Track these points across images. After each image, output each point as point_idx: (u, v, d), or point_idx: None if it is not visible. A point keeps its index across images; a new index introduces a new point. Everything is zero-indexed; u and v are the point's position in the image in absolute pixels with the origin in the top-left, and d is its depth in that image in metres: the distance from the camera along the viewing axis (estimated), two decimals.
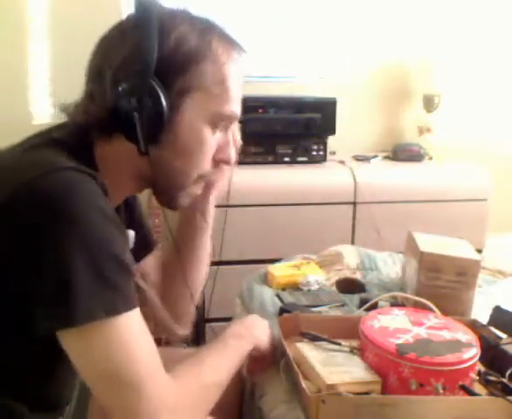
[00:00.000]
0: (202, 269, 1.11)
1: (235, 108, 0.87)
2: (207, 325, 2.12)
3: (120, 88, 0.79)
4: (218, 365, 0.87)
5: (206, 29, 0.84)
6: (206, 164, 0.88)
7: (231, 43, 0.87)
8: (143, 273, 1.05)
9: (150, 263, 1.11)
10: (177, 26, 0.82)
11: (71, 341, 0.71)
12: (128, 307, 0.73)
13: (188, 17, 0.85)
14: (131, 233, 1.00)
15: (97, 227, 0.71)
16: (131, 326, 0.73)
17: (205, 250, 1.11)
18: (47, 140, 0.82)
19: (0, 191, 0.72)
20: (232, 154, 0.91)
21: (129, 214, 1.04)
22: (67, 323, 0.69)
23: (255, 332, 0.98)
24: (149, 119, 0.80)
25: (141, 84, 0.79)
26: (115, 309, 0.71)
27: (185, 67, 0.81)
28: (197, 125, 0.84)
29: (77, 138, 0.82)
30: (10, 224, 0.70)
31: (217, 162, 0.90)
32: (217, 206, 1.10)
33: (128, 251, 0.79)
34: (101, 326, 0.70)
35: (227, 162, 0.91)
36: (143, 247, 1.08)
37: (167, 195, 0.90)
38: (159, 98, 0.79)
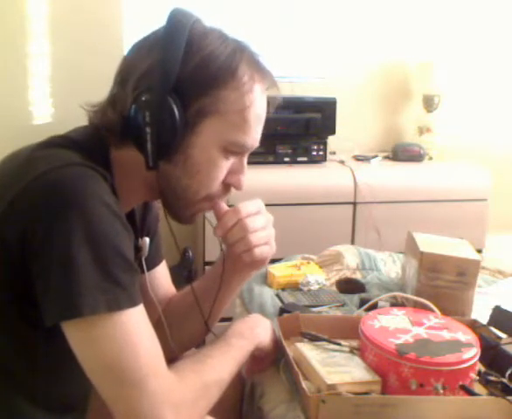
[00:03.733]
0: (223, 311, 1.08)
1: (250, 140, 0.86)
2: None
3: (137, 100, 0.79)
4: (220, 363, 0.87)
5: (236, 53, 0.83)
6: (215, 186, 0.87)
7: (259, 71, 0.85)
8: (152, 284, 1.04)
9: (159, 275, 1.09)
10: (206, 46, 0.81)
11: (74, 333, 0.72)
12: (132, 304, 0.74)
13: (220, 37, 0.83)
14: (146, 240, 1.00)
15: (104, 222, 0.72)
16: (134, 323, 0.74)
17: (234, 296, 1.09)
18: (62, 139, 0.83)
19: (14, 185, 0.74)
20: (243, 180, 0.89)
21: (145, 221, 1.03)
22: (71, 314, 0.70)
23: (258, 331, 0.97)
24: (161, 135, 0.80)
25: (157, 99, 0.78)
26: (118, 304, 0.72)
27: (206, 90, 0.81)
28: (209, 149, 0.83)
29: (92, 139, 0.83)
30: (22, 215, 0.72)
31: (227, 185, 0.89)
32: None
33: (132, 250, 0.79)
34: (104, 320, 0.71)
35: (237, 188, 0.90)
36: (152, 258, 1.07)
37: (174, 209, 0.89)
38: (174, 116, 0.79)
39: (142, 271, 0.98)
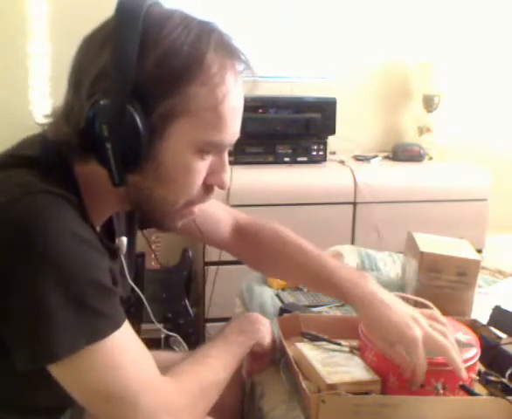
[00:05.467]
0: None
1: (228, 137, 0.77)
2: (207, 325, 2.12)
3: (92, 111, 0.70)
4: (219, 363, 0.86)
5: (201, 39, 0.72)
6: (194, 191, 0.78)
7: (229, 56, 0.75)
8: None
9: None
10: (166, 36, 0.70)
11: (59, 373, 0.70)
12: (115, 327, 0.71)
13: (181, 22, 0.72)
14: (124, 240, 0.93)
15: (73, 256, 0.67)
16: (119, 345, 0.71)
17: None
18: (18, 158, 0.75)
19: None
20: (226, 178, 0.80)
21: (131, 216, 0.97)
22: (49, 360, 0.68)
23: (259, 327, 0.97)
24: (124, 149, 0.70)
25: (114, 109, 0.69)
26: (100, 334, 0.69)
27: (170, 88, 0.71)
28: (182, 154, 0.74)
29: (52, 155, 0.74)
30: None
31: (210, 186, 0.81)
32: None
33: (107, 272, 0.74)
34: (88, 353, 0.68)
35: (220, 187, 0.81)
36: None
37: (152, 219, 0.82)
38: (136, 126, 0.69)
39: (121, 269, 0.93)
